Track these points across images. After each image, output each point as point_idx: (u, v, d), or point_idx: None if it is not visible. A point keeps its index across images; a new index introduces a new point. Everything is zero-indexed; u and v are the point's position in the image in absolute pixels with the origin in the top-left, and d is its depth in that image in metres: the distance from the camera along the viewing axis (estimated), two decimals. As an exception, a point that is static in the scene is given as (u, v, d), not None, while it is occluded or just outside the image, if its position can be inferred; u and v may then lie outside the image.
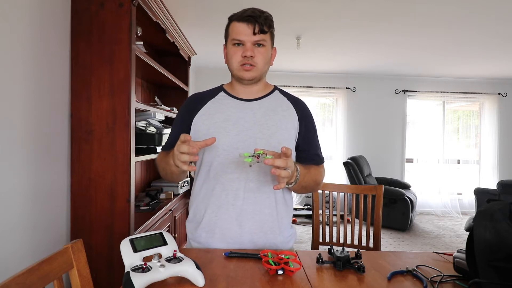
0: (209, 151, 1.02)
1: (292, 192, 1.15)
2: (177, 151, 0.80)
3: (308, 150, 1.10)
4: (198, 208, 1.07)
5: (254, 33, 0.97)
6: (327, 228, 1.85)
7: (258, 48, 1.00)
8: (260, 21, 0.97)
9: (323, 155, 1.15)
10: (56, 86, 1.40)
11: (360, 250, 0.90)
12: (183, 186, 2.62)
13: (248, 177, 1.01)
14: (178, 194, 2.46)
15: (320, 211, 1.71)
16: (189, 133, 1.06)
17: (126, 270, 0.68)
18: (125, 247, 0.73)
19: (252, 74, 1.02)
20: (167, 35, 2.08)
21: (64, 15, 1.44)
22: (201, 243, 1.05)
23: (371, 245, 1.60)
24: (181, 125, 1.09)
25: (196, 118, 1.06)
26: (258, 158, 0.80)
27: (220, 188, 1.02)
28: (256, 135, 1.02)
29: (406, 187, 4.64)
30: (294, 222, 4.26)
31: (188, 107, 1.09)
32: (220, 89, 1.13)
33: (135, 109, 1.55)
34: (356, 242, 2.34)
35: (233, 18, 1.01)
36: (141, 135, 1.88)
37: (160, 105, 2.33)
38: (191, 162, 0.82)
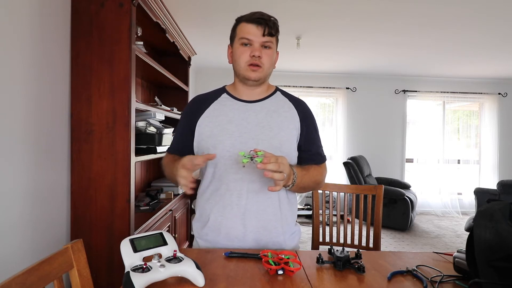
0: (214, 153, 1.04)
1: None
2: (178, 170, 0.88)
3: (309, 150, 1.12)
4: (204, 208, 1.09)
5: (263, 35, 1.01)
6: (327, 228, 1.85)
7: (265, 50, 1.03)
8: (270, 24, 1.01)
9: (324, 154, 1.16)
10: (56, 86, 1.40)
11: (360, 250, 0.90)
12: (183, 186, 2.61)
13: (251, 178, 1.02)
14: (178, 194, 2.45)
15: (320, 211, 1.71)
16: (193, 135, 1.09)
17: (126, 270, 0.68)
18: (125, 247, 0.74)
19: (258, 75, 1.04)
20: (167, 35, 2.08)
21: (64, 15, 1.44)
22: (208, 241, 1.08)
23: (371, 245, 1.60)
24: (185, 127, 1.11)
25: (200, 120, 1.08)
26: (252, 160, 0.83)
27: (224, 189, 1.04)
28: (258, 136, 1.03)
29: (406, 187, 4.64)
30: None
31: (192, 109, 1.12)
32: (222, 90, 1.14)
33: (135, 109, 1.55)
34: (356, 242, 2.34)
35: (242, 20, 1.05)
36: (141, 135, 1.87)
37: (160, 105, 2.33)
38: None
